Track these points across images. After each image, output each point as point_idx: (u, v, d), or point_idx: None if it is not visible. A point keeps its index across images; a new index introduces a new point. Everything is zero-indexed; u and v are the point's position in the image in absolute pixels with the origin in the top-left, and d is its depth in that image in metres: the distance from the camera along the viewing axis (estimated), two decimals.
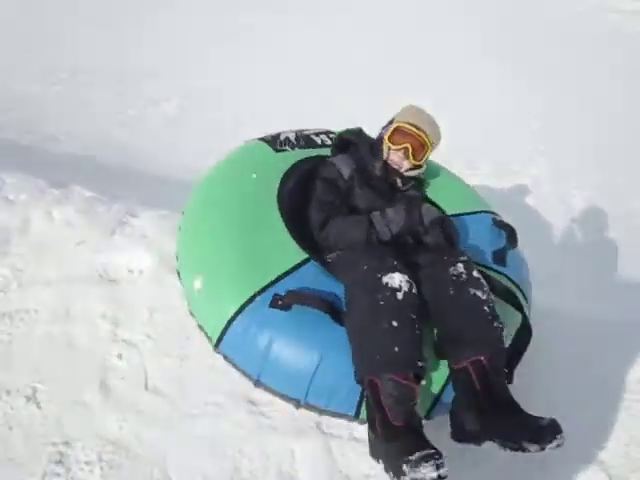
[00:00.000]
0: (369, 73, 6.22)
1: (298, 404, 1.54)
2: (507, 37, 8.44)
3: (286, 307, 1.51)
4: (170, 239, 2.21)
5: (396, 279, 1.45)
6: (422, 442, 1.27)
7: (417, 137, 1.84)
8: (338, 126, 2.20)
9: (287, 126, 2.31)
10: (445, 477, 1.19)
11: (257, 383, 1.56)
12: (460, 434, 1.42)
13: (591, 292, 2.95)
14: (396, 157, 1.88)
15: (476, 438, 1.36)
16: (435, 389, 1.54)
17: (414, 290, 1.48)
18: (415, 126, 1.84)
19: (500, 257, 1.90)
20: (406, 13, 8.79)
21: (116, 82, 5.19)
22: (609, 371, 2.01)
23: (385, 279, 1.45)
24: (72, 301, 1.96)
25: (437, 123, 1.92)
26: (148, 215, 2.37)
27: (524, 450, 1.27)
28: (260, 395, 1.66)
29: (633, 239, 3.77)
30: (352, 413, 1.51)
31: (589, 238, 3.92)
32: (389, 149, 1.88)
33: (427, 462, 1.18)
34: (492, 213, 2.12)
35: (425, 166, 1.96)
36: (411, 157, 1.85)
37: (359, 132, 2.03)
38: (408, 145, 1.83)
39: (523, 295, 1.85)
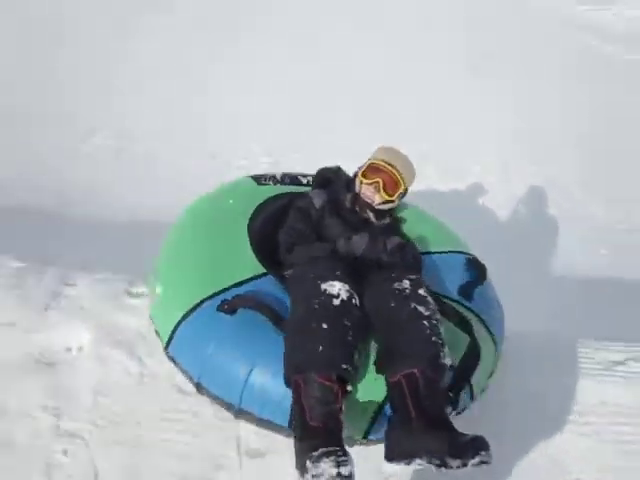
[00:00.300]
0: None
1: (234, 410, 1.54)
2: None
3: (231, 311, 1.56)
4: (110, 307, 2.09)
5: (336, 287, 1.49)
6: (332, 441, 1.27)
7: (389, 173, 1.92)
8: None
9: None
10: (347, 476, 1.18)
11: (198, 386, 1.59)
12: (391, 453, 1.36)
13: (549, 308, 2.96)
14: (368, 191, 1.93)
15: (405, 457, 1.33)
16: (373, 408, 1.51)
17: (354, 301, 1.52)
18: (388, 163, 1.92)
19: (466, 291, 1.89)
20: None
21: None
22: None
23: (324, 286, 1.49)
24: (6, 393, 1.81)
25: (411, 163, 2.00)
26: (84, 282, 2.22)
27: (447, 466, 1.26)
28: None
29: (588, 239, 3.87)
30: (285, 422, 1.47)
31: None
32: (361, 183, 1.94)
33: (328, 458, 1.19)
34: (466, 253, 2.12)
35: (397, 202, 1.99)
36: (382, 191, 1.91)
37: (337, 170, 2.11)
38: (379, 180, 1.90)
39: (487, 329, 1.84)
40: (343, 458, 1.21)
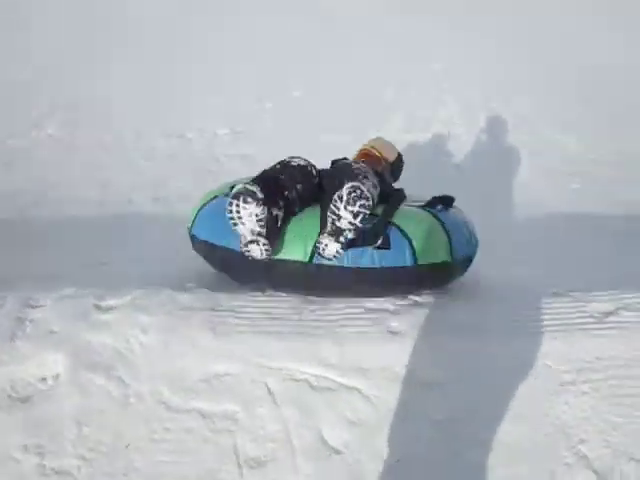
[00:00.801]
0: None
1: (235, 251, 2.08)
2: None
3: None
4: (81, 327, 1.97)
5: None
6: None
7: (373, 155, 2.55)
8: None
9: None
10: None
11: (211, 247, 2.23)
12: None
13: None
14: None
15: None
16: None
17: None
18: (373, 147, 2.60)
19: (430, 203, 2.24)
20: None
21: None
22: None
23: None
24: None
25: (393, 145, 2.70)
26: (50, 301, 2.08)
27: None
28: None
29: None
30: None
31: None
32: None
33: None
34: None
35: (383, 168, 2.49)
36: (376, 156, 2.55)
37: (343, 159, 2.43)
38: (363, 157, 2.52)
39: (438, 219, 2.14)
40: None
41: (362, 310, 2.06)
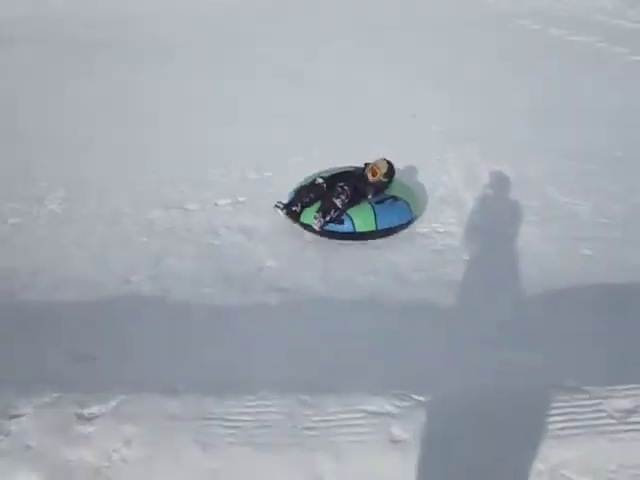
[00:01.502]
0: None
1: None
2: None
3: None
4: (60, 441, 1.84)
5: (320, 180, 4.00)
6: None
7: (375, 169, 4.00)
8: None
9: None
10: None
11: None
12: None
13: None
14: (368, 174, 4.02)
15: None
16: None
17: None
18: (375, 165, 4.03)
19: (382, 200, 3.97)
20: None
21: None
22: None
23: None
24: None
25: (389, 164, 4.06)
26: (31, 409, 1.96)
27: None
28: None
29: None
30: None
31: None
32: (364, 171, 4.08)
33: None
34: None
35: (381, 179, 4.02)
36: (370, 175, 4.00)
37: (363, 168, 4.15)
38: (370, 171, 4.01)
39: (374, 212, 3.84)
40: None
41: (360, 414, 1.92)
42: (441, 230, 3.93)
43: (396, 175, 4.14)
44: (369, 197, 3.89)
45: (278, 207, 3.87)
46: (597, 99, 6.91)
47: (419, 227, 3.99)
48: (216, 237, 3.91)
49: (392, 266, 3.44)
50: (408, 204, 3.93)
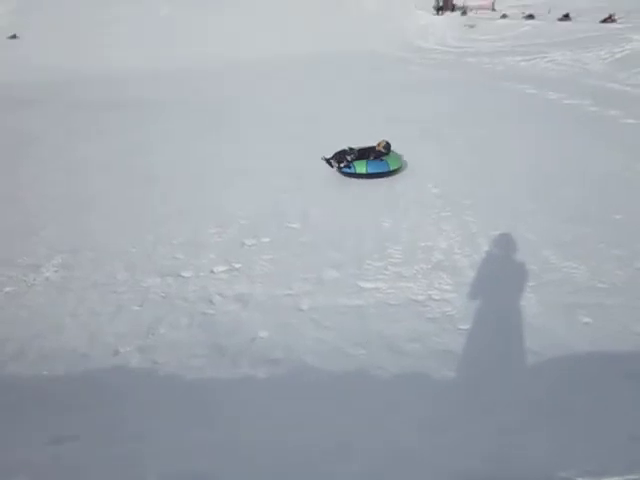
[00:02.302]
0: None
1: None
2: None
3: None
4: None
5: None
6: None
7: (379, 144, 6.93)
8: None
9: None
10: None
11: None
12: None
13: None
14: (376, 147, 6.94)
15: None
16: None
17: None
18: (380, 143, 6.95)
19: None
20: None
21: None
22: None
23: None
24: None
25: (387, 142, 6.95)
26: None
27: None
28: None
29: None
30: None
31: None
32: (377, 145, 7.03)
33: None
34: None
35: (382, 150, 6.87)
36: (377, 147, 6.93)
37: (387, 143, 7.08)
38: (377, 145, 6.95)
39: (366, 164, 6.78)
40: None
41: None
42: (437, 297, 3.88)
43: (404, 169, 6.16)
44: (370, 158, 6.77)
45: (324, 159, 6.83)
46: (594, 161, 6.98)
47: (414, 294, 3.94)
48: (210, 306, 3.87)
49: (385, 337, 3.37)
50: (388, 163, 6.71)
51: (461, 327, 3.51)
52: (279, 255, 4.53)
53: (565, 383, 2.93)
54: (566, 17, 28.09)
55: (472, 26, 31.09)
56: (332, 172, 6.89)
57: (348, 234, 4.89)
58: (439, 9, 35.77)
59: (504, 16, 32.14)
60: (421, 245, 4.67)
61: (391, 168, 6.69)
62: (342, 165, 6.67)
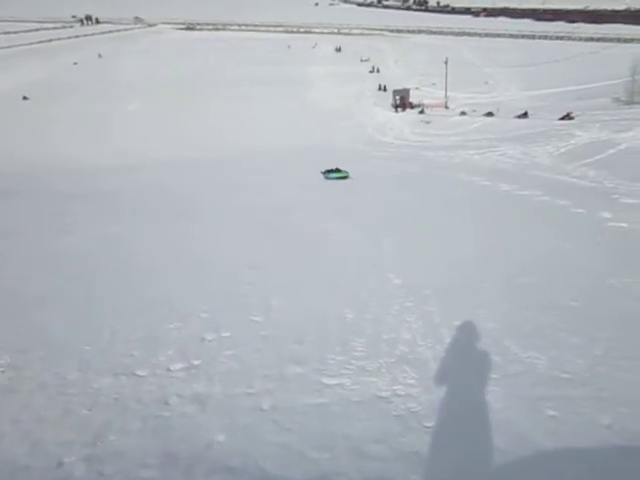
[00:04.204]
0: None
1: None
2: None
3: None
4: None
5: None
6: None
7: None
8: None
9: None
10: None
11: None
12: None
13: None
14: None
15: None
16: None
17: None
18: None
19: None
20: None
21: None
22: None
23: None
24: None
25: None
26: None
27: None
28: None
29: None
30: None
31: None
32: None
33: None
34: None
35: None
36: None
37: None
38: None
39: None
40: None
41: None
42: (402, 393, 3.79)
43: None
44: None
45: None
46: (548, 249, 7.23)
47: (379, 389, 3.84)
48: (166, 408, 3.67)
49: (350, 438, 3.23)
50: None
51: (427, 424, 3.40)
52: (240, 350, 4.40)
53: None
54: (524, 115, 30.31)
55: (428, 122, 33.13)
56: (298, 262, 6.87)
57: (310, 326, 4.82)
58: (397, 107, 38.13)
59: (463, 113, 34.41)
60: (384, 337, 4.63)
61: None
62: None
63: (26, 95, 41.31)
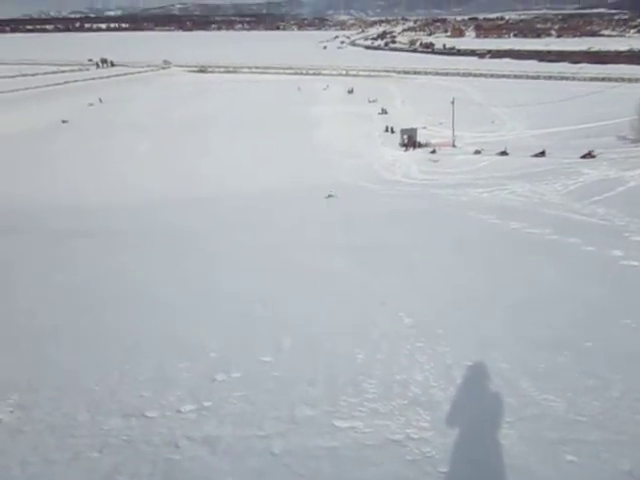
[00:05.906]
0: None
1: None
2: None
3: None
4: None
5: None
6: None
7: None
8: None
9: None
10: None
11: None
12: None
13: None
14: None
15: None
16: None
17: None
18: None
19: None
20: None
21: None
22: None
23: None
24: None
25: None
26: None
27: None
28: None
29: None
30: None
31: None
32: None
33: None
34: None
35: None
36: None
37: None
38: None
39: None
40: None
41: None
42: (415, 436, 3.71)
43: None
44: None
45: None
46: (560, 287, 7.18)
47: (392, 433, 3.77)
48: (176, 451, 3.62)
49: None
50: None
51: (442, 469, 3.33)
52: (251, 391, 4.36)
53: None
54: (542, 154, 30.69)
55: (436, 161, 33.52)
56: (308, 298, 6.84)
57: (322, 367, 4.77)
58: (405, 145, 38.70)
59: (477, 152, 34.78)
60: (397, 379, 4.56)
61: None
62: None
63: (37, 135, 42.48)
